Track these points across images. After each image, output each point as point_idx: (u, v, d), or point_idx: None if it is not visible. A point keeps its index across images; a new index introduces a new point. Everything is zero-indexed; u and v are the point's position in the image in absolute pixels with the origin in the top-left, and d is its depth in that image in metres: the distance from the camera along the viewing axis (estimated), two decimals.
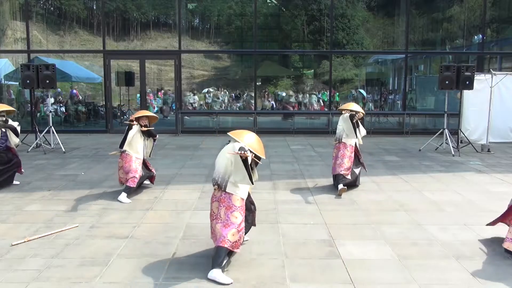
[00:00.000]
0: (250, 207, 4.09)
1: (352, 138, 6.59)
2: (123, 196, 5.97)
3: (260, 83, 18.35)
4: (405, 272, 3.81)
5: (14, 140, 6.80)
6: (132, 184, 6.08)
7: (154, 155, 9.63)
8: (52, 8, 20.45)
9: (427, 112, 15.74)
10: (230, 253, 3.87)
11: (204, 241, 4.50)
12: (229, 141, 3.92)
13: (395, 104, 17.15)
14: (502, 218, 4.47)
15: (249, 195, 4.06)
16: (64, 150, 10.03)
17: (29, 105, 13.18)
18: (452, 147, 10.09)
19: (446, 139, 10.37)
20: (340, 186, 6.33)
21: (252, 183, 3.84)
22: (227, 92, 18.92)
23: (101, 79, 15.48)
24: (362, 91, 18.80)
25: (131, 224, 5.04)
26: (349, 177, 6.50)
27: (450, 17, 17.96)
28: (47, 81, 10.08)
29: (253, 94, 15.15)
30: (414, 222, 5.17)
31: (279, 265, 3.93)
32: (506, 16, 16.50)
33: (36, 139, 10.37)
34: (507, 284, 3.62)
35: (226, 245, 3.68)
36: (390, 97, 17.81)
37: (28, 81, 10.07)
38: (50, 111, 11.19)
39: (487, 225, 4.74)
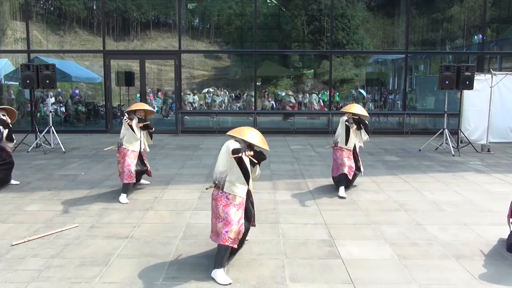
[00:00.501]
0: (249, 206, 4.06)
1: (347, 143, 6.42)
2: (122, 197, 5.97)
3: (260, 83, 18.36)
4: (405, 272, 3.81)
5: (8, 145, 6.84)
6: (130, 179, 6.06)
7: (154, 155, 9.67)
8: (52, 8, 20.44)
9: (427, 112, 15.76)
10: (233, 252, 3.87)
11: (204, 241, 4.50)
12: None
13: (395, 104, 17.16)
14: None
15: (250, 194, 4.03)
16: (64, 150, 10.03)
17: (29, 105, 13.18)
18: (452, 147, 10.09)
19: (446, 139, 10.37)
20: (341, 191, 6.29)
21: (247, 184, 3.84)
22: (227, 92, 18.92)
23: (101, 79, 15.48)
24: (362, 91, 18.80)
25: (131, 224, 5.04)
26: (350, 177, 6.43)
27: (450, 17, 17.96)
28: (47, 81, 10.08)
29: (253, 94, 15.16)
30: (414, 222, 5.17)
31: (279, 265, 3.93)
32: (506, 16, 16.50)
33: (36, 139, 10.37)
34: (507, 284, 3.62)
35: (227, 243, 3.68)
36: (390, 97, 17.82)
37: (28, 81, 10.07)
38: (50, 111, 11.20)
39: None
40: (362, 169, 6.70)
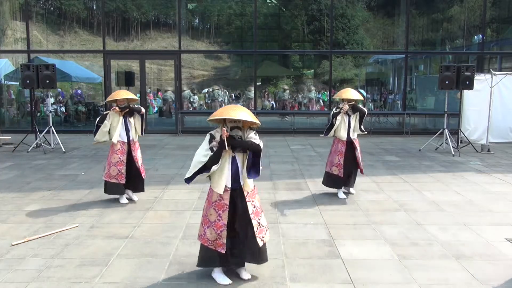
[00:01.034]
0: (238, 217, 3.53)
1: (339, 132, 6.09)
2: (122, 197, 5.95)
3: (260, 83, 18.35)
4: (405, 272, 3.81)
5: None
6: (120, 180, 5.75)
7: (154, 155, 9.68)
8: (52, 8, 20.44)
9: (427, 112, 15.76)
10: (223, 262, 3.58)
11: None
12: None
13: (395, 104, 17.15)
14: None
15: (240, 204, 3.55)
16: (64, 150, 10.03)
17: (29, 105, 13.19)
18: (452, 147, 10.09)
19: (446, 139, 10.37)
20: (340, 194, 6.23)
21: (208, 167, 3.50)
22: (227, 92, 18.92)
23: (101, 79, 15.48)
24: (362, 91, 18.77)
25: (131, 224, 5.04)
26: (339, 174, 6.12)
27: (450, 17, 17.96)
28: (47, 81, 10.08)
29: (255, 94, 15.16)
30: (414, 222, 5.17)
31: (279, 265, 3.93)
32: (506, 16, 16.50)
33: (36, 139, 10.37)
34: (507, 284, 3.62)
35: (205, 244, 3.55)
36: (390, 97, 17.82)
37: (28, 81, 10.07)
38: (50, 111, 11.20)
39: None
40: (361, 166, 6.24)
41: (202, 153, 3.53)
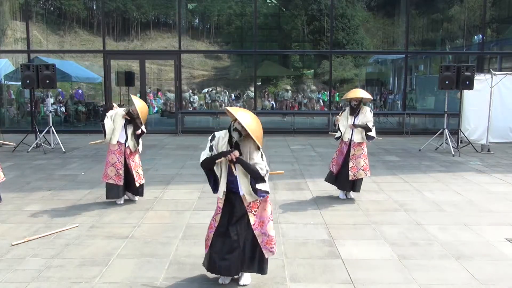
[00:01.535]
0: (230, 231, 3.43)
1: (344, 133, 6.05)
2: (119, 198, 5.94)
3: (260, 83, 18.34)
4: (405, 272, 3.81)
5: None
6: (117, 181, 5.71)
7: (154, 155, 9.68)
8: (52, 8, 20.43)
9: (427, 112, 15.75)
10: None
11: (204, 241, 4.49)
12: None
13: (395, 104, 17.15)
14: None
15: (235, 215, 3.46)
16: (64, 150, 10.03)
17: (29, 105, 13.19)
18: (452, 147, 10.09)
19: (446, 139, 10.37)
20: (341, 194, 6.23)
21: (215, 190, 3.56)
22: (227, 92, 18.92)
23: (101, 79, 15.48)
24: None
25: (131, 224, 5.04)
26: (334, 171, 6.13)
27: (450, 17, 17.96)
28: (47, 81, 10.08)
29: (251, 94, 15.17)
30: (414, 222, 5.17)
31: (279, 265, 3.93)
32: (506, 16, 16.50)
33: (36, 139, 10.37)
34: (507, 284, 3.62)
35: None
36: (390, 97, 17.82)
37: (28, 81, 10.07)
38: (50, 111, 11.20)
39: None
40: (351, 175, 5.94)
41: (206, 152, 3.52)
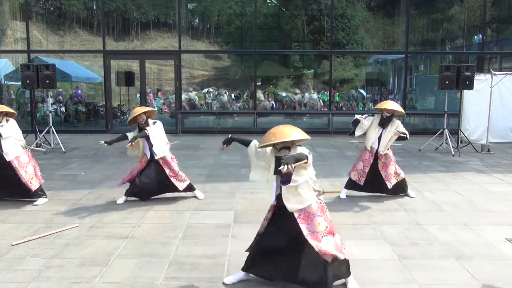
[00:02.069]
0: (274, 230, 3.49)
1: (367, 141, 6.06)
2: (120, 198, 5.97)
3: (260, 83, 18.35)
4: (405, 272, 3.81)
5: None
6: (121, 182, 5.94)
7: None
8: (52, 8, 20.45)
9: (427, 112, 15.74)
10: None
11: (204, 241, 4.50)
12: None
13: None
14: None
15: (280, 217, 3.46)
16: (64, 150, 10.03)
17: (29, 105, 13.19)
18: (452, 147, 10.09)
19: (446, 139, 10.37)
20: (342, 193, 6.25)
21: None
22: (227, 92, 18.94)
23: (101, 79, 15.48)
24: (362, 91, 18.81)
25: (131, 224, 5.04)
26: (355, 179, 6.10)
27: (450, 17, 17.97)
28: (47, 81, 10.07)
29: (257, 94, 15.16)
30: (414, 222, 5.17)
31: None
32: (506, 16, 16.50)
33: (36, 139, 10.36)
34: (507, 284, 3.62)
35: None
36: (390, 97, 17.81)
37: (28, 81, 10.07)
38: (50, 111, 11.20)
39: None
40: (388, 185, 5.85)
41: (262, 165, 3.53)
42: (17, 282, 3.59)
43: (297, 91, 17.94)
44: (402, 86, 15.65)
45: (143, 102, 14.40)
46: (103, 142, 5.71)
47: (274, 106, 17.96)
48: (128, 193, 5.91)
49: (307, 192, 3.33)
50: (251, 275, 3.56)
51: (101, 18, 15.26)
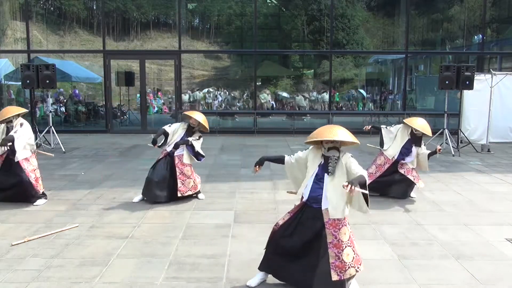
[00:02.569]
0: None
1: (389, 148, 6.16)
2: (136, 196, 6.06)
3: (260, 83, 18.35)
4: (405, 272, 3.81)
5: None
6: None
7: (155, 155, 9.64)
8: (52, 8, 20.44)
9: (427, 112, 15.72)
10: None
11: (204, 241, 4.50)
12: None
13: (395, 104, 17.15)
14: None
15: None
16: (64, 150, 10.03)
17: (29, 105, 13.17)
18: (452, 147, 10.09)
19: (446, 139, 10.37)
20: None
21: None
22: (227, 92, 18.94)
23: (101, 79, 15.48)
24: (362, 91, 18.81)
25: (131, 224, 5.04)
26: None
27: (450, 17, 17.96)
28: (47, 81, 10.07)
29: (266, 97, 15.16)
30: (414, 222, 5.17)
31: None
32: (506, 16, 16.50)
33: (36, 139, 10.35)
34: (507, 284, 3.62)
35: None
36: (390, 97, 17.82)
37: (28, 81, 10.06)
38: (50, 111, 11.20)
39: None
40: (412, 178, 5.95)
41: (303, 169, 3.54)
42: (17, 282, 3.59)
43: (306, 95, 17.93)
44: (402, 86, 15.65)
45: (143, 102, 14.40)
46: (150, 144, 5.96)
47: (274, 106, 17.95)
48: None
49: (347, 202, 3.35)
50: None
51: (101, 18, 15.26)
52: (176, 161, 5.92)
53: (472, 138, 10.96)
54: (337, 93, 18.37)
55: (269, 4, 20.09)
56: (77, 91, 16.72)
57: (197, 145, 5.90)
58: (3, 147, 5.61)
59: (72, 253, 4.18)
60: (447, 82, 10.09)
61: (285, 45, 20.23)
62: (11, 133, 5.61)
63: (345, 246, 3.28)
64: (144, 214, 5.43)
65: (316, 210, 3.34)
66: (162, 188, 5.84)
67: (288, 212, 3.55)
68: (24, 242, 4.43)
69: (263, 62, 18.66)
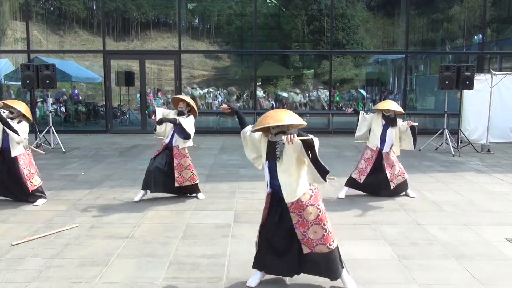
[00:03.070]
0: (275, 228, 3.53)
1: (370, 139, 6.18)
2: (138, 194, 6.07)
3: (260, 83, 18.34)
4: (405, 272, 3.81)
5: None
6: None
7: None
8: (52, 8, 20.43)
9: (427, 112, 15.74)
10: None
11: (204, 241, 4.50)
12: None
13: None
14: None
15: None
16: (64, 150, 10.03)
17: (29, 105, 13.17)
18: (452, 147, 10.09)
19: (446, 139, 10.37)
20: (341, 193, 6.29)
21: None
22: (227, 92, 18.92)
23: (101, 79, 15.48)
24: (362, 91, 18.79)
25: (131, 224, 5.04)
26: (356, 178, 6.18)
27: (450, 17, 17.95)
28: (47, 81, 10.07)
29: (259, 94, 15.15)
30: (414, 222, 5.17)
31: None
32: (506, 16, 16.50)
33: (36, 139, 10.36)
34: (507, 284, 3.62)
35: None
36: (390, 97, 17.79)
37: (28, 81, 10.06)
38: (50, 111, 11.19)
39: None
40: (391, 185, 6.01)
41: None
42: (17, 282, 3.59)
43: (298, 90, 17.94)
44: (402, 86, 15.65)
45: (143, 102, 14.40)
46: (153, 117, 5.87)
47: (274, 106, 17.94)
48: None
49: (302, 182, 3.36)
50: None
51: (101, 18, 15.25)
52: (175, 151, 5.93)
53: (472, 138, 10.96)
54: (337, 93, 18.36)
55: (269, 4, 20.08)
56: (76, 91, 16.71)
57: (185, 122, 5.78)
58: None
59: (72, 253, 4.18)
60: (447, 82, 10.09)
61: (285, 45, 20.22)
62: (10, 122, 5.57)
63: (311, 225, 3.34)
64: (144, 214, 5.43)
65: (281, 198, 3.39)
66: (161, 179, 5.87)
67: (264, 209, 3.55)
68: (24, 242, 4.43)
69: (263, 62, 18.66)
